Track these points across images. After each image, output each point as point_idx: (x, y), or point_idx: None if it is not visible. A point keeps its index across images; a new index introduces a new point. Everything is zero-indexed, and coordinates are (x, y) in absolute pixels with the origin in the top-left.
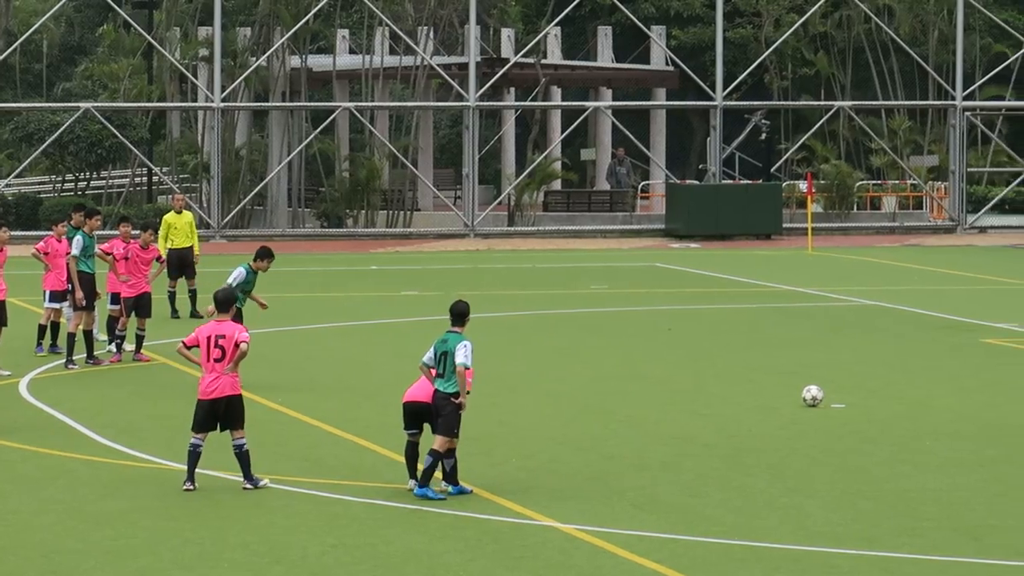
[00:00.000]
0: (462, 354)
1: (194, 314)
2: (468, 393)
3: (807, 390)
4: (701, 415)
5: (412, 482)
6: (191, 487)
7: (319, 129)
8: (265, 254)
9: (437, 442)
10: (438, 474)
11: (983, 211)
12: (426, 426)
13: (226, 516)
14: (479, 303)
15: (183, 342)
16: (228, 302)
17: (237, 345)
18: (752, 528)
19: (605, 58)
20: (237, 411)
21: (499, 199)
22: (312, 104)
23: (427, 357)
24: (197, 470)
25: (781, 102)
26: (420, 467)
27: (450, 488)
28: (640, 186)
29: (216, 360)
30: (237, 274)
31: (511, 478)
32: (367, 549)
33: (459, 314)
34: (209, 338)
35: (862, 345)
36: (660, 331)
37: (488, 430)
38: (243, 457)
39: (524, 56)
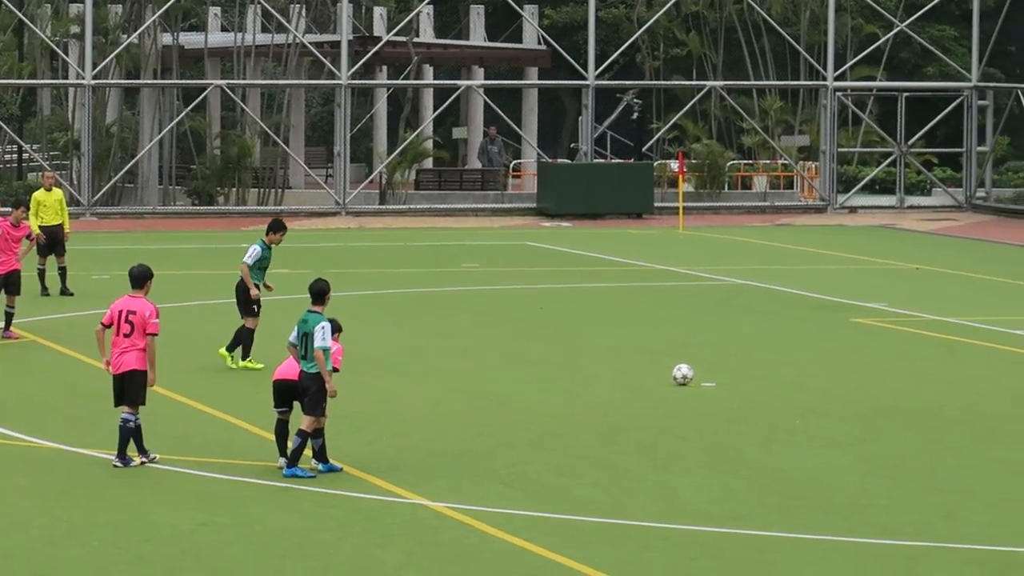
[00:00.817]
0: (319, 337)
1: (64, 291)
2: (336, 371)
3: (677, 369)
4: (572, 394)
5: (282, 460)
6: (144, 460)
7: (190, 107)
8: (278, 227)
9: (304, 422)
10: (308, 452)
11: (853, 191)
12: (296, 404)
13: (96, 494)
14: (351, 281)
15: (102, 323)
16: (143, 278)
17: (146, 332)
18: (622, 506)
19: (477, 37)
20: (135, 386)
21: (371, 177)
22: (183, 82)
23: (292, 336)
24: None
25: (653, 82)
26: (290, 445)
27: (320, 466)
28: (512, 165)
29: (125, 335)
30: (252, 251)
31: (382, 456)
32: (237, 527)
33: (318, 293)
34: (120, 312)
35: (733, 324)
36: (532, 310)
37: (359, 408)
38: (125, 433)
39: (396, 34)
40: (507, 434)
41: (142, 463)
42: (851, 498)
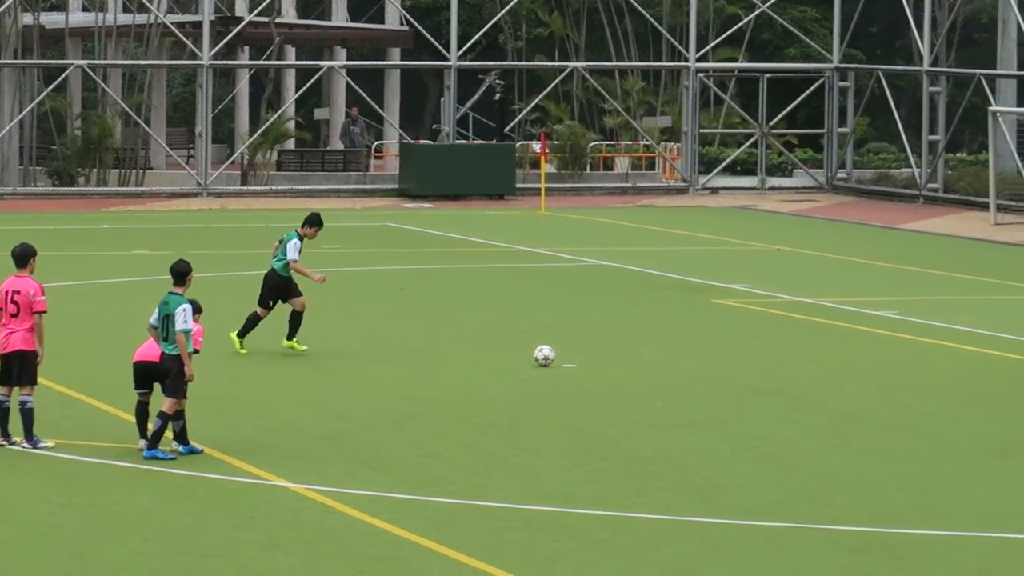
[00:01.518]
0: (180, 319)
1: None
2: (197, 352)
3: (539, 350)
4: (434, 375)
5: (143, 442)
6: (3, 443)
7: (51, 87)
8: (314, 221)
9: (165, 404)
10: (168, 434)
11: (715, 172)
12: (157, 385)
13: None
14: (212, 262)
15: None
16: (25, 257)
17: (33, 310)
18: (483, 488)
19: (340, 17)
20: (28, 367)
21: (232, 158)
22: (44, 62)
23: (153, 318)
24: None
25: (515, 63)
26: (151, 427)
27: (180, 448)
28: (374, 146)
29: (12, 315)
30: (295, 246)
31: (243, 438)
32: (97, 509)
33: (179, 274)
34: (7, 293)
35: (594, 306)
36: (393, 291)
37: (221, 390)
38: (26, 415)
39: (258, 15)
40: (369, 416)
41: (1, 445)
42: (712, 479)
